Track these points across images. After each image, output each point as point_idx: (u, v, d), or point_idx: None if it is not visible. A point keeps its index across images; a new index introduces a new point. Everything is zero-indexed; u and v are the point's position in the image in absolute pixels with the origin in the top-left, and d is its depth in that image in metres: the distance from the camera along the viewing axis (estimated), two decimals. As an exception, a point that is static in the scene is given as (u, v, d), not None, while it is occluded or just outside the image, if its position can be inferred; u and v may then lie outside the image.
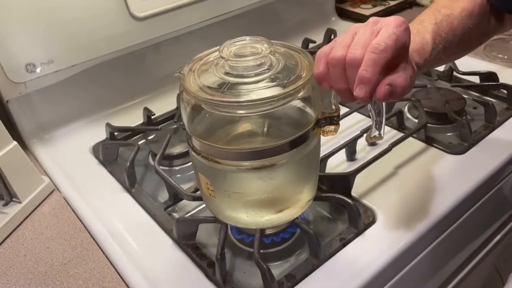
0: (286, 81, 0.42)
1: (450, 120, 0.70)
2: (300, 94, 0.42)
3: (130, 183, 0.65)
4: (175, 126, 0.77)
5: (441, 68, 0.84)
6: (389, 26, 0.40)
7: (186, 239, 0.55)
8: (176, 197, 0.61)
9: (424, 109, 0.70)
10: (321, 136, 0.47)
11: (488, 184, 0.61)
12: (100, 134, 0.76)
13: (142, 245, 0.56)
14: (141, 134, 0.78)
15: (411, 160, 0.65)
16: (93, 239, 0.58)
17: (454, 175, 0.61)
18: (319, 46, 0.96)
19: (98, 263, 0.54)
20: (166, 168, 0.68)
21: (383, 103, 0.46)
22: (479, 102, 0.72)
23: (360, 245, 0.53)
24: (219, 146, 0.43)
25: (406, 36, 0.40)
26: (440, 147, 0.66)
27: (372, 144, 0.68)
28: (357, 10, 1.14)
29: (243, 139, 0.46)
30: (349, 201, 0.54)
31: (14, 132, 0.74)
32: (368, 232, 0.54)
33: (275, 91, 0.41)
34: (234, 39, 0.45)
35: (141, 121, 0.79)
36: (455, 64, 0.83)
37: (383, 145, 0.65)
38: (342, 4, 1.16)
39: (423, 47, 0.48)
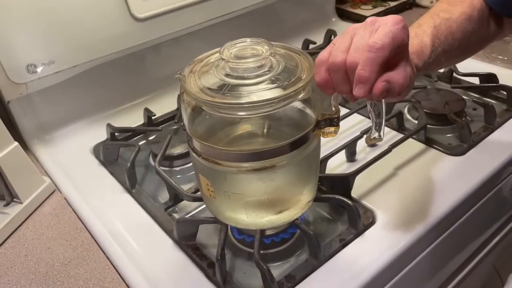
0: (286, 82, 0.42)
1: (450, 121, 0.70)
2: (300, 95, 0.42)
3: (131, 184, 0.65)
4: (175, 127, 0.77)
5: (441, 69, 0.84)
6: (386, 25, 0.40)
7: (186, 239, 0.55)
8: (176, 197, 0.61)
9: (424, 110, 0.71)
10: (321, 137, 0.47)
11: (487, 185, 0.62)
12: (100, 134, 0.76)
13: (143, 245, 0.56)
14: (142, 135, 0.78)
15: (411, 161, 0.65)
16: (94, 239, 0.58)
17: (453, 176, 0.61)
18: (320, 47, 0.96)
19: (98, 264, 0.55)
20: (167, 168, 0.69)
21: (383, 104, 0.46)
22: (479, 104, 0.72)
23: (359, 246, 0.53)
24: (219, 148, 0.43)
25: (403, 34, 0.40)
26: (440, 148, 0.66)
27: (372, 145, 0.68)
28: (357, 11, 1.15)
29: (243, 140, 0.46)
30: (349, 202, 0.54)
31: (15, 133, 0.74)
32: (367, 233, 0.54)
33: (276, 92, 0.41)
34: (234, 40, 0.45)
35: (142, 122, 0.79)
36: (455, 66, 0.83)
37: (383, 146, 0.65)
38: (342, 5, 1.17)
39: (422, 50, 0.48)
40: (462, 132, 0.67)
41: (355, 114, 0.74)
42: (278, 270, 0.52)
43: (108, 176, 0.69)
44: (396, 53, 0.40)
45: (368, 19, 0.42)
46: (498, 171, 0.62)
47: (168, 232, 0.57)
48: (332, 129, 0.45)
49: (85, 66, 0.75)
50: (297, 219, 0.52)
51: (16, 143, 0.62)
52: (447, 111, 0.70)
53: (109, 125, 0.75)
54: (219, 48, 0.45)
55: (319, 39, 0.99)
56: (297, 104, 0.43)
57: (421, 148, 0.67)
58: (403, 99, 0.67)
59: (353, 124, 0.73)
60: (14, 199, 0.62)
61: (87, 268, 0.54)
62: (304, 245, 0.54)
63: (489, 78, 0.79)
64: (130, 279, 0.52)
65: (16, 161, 0.62)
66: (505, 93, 0.76)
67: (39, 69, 0.70)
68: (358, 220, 0.54)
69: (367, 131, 0.65)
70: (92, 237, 0.59)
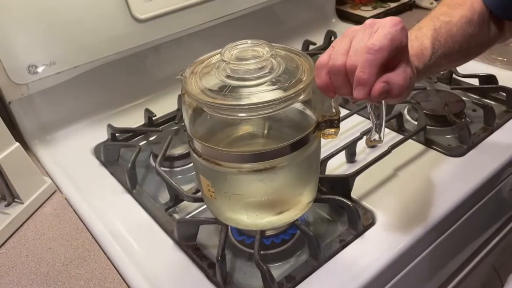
0: (287, 84, 0.42)
1: (450, 122, 0.70)
2: (301, 97, 0.42)
3: (131, 184, 0.65)
4: (176, 128, 0.77)
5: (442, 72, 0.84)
6: (385, 27, 0.40)
7: (187, 240, 0.55)
8: (177, 198, 0.61)
9: (424, 111, 0.71)
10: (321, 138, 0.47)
11: (487, 186, 0.62)
12: (101, 135, 0.76)
13: (143, 246, 0.56)
14: (142, 135, 0.78)
15: (411, 162, 0.65)
16: (95, 239, 0.58)
17: (453, 177, 0.61)
18: (320, 48, 0.96)
19: (99, 264, 0.55)
20: (167, 169, 0.69)
21: (383, 106, 0.46)
22: (479, 105, 0.72)
23: (359, 247, 0.53)
24: (220, 149, 0.44)
25: (402, 35, 0.40)
26: (440, 150, 0.66)
27: (372, 146, 0.68)
28: (358, 12, 1.15)
29: (244, 141, 0.47)
30: (349, 203, 0.54)
31: (16, 133, 0.74)
32: (367, 233, 0.54)
33: (276, 94, 0.41)
34: (235, 42, 0.46)
35: (142, 122, 0.79)
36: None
37: (382, 147, 0.65)
38: (342, 6, 1.17)
39: (422, 52, 0.48)
40: (462, 133, 0.67)
41: (355, 115, 0.74)
42: (278, 270, 0.52)
43: (109, 176, 0.69)
44: (395, 55, 0.40)
45: (367, 21, 0.42)
46: (498, 172, 0.62)
47: (169, 233, 0.57)
48: (332, 130, 0.45)
49: (86, 67, 0.75)
50: (297, 220, 0.52)
51: (17, 144, 0.62)
52: (447, 112, 0.71)
53: (109, 126, 0.75)
54: (220, 50, 0.45)
55: (319, 40, 0.99)
56: (298, 106, 0.43)
57: (421, 149, 0.67)
58: (403, 101, 0.68)
59: (353, 125, 0.73)
60: (15, 200, 0.63)
61: (88, 269, 0.54)
62: (304, 245, 0.54)
63: (488, 79, 0.79)
64: (130, 280, 0.52)
65: (17, 162, 0.62)
66: (504, 94, 0.76)
67: (40, 70, 0.70)
68: (358, 221, 0.54)
69: (367, 132, 0.65)
70: (93, 237, 0.59)
